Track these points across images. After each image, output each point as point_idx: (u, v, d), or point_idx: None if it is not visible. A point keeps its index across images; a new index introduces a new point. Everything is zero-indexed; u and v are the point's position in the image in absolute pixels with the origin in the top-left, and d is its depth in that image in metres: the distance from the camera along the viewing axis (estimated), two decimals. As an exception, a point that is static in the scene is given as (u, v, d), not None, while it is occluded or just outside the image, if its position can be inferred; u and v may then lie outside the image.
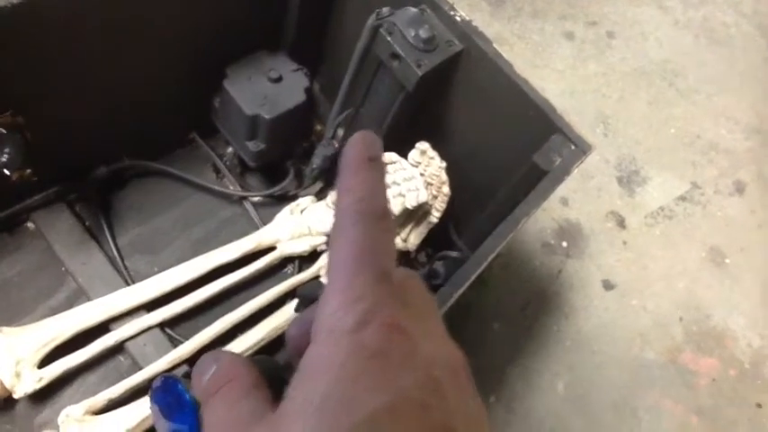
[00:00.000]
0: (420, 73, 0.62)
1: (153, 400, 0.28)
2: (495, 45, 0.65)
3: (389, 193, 0.72)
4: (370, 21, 0.65)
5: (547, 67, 1.32)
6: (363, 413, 0.20)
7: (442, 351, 0.24)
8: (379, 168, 0.27)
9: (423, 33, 0.62)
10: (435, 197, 0.74)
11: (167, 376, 0.28)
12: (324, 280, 0.76)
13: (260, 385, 0.24)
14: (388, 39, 0.63)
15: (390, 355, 0.22)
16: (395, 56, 0.64)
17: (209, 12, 0.71)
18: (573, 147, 0.61)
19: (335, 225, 0.25)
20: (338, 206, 0.25)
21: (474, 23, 0.65)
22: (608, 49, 1.39)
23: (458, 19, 0.65)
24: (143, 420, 0.64)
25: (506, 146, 0.68)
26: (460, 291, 0.51)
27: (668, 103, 1.35)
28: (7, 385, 0.63)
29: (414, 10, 0.65)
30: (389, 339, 0.22)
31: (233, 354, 0.27)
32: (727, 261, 1.17)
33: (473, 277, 0.52)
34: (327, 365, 0.21)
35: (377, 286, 0.23)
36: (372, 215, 0.25)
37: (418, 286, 0.27)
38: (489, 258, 0.54)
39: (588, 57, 1.36)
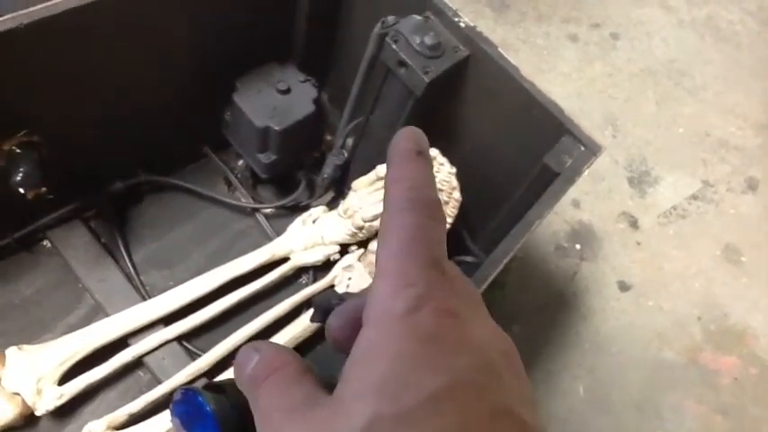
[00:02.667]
0: (427, 79, 0.62)
1: (174, 414, 0.28)
2: (500, 49, 0.65)
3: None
4: (376, 29, 0.66)
5: (553, 70, 1.32)
6: (424, 394, 0.20)
7: (493, 335, 0.24)
8: (428, 161, 0.27)
9: (428, 40, 0.63)
10: (447, 203, 0.74)
11: (187, 388, 0.28)
12: (339, 288, 0.77)
13: (309, 371, 0.24)
14: (394, 47, 0.64)
15: (444, 338, 0.22)
16: (402, 63, 0.64)
17: (217, 26, 0.72)
18: (583, 148, 0.61)
19: (385, 214, 0.25)
20: (387, 196, 0.25)
21: (478, 29, 0.66)
22: (613, 51, 1.39)
23: (462, 25, 0.65)
24: (164, 434, 0.65)
25: (516, 149, 0.68)
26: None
27: (676, 102, 1.35)
28: (29, 403, 0.63)
29: (418, 17, 0.66)
30: (442, 323, 0.22)
31: (274, 343, 0.26)
32: (743, 259, 1.16)
33: (489, 280, 0.52)
34: (382, 349, 0.21)
35: (428, 272, 0.23)
36: (422, 203, 0.25)
37: (464, 277, 0.27)
38: (504, 261, 0.54)
39: (593, 59, 1.36)
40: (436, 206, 0.25)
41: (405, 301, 0.22)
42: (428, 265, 0.23)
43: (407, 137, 0.27)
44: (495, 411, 0.21)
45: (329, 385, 0.24)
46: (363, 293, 0.26)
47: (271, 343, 0.26)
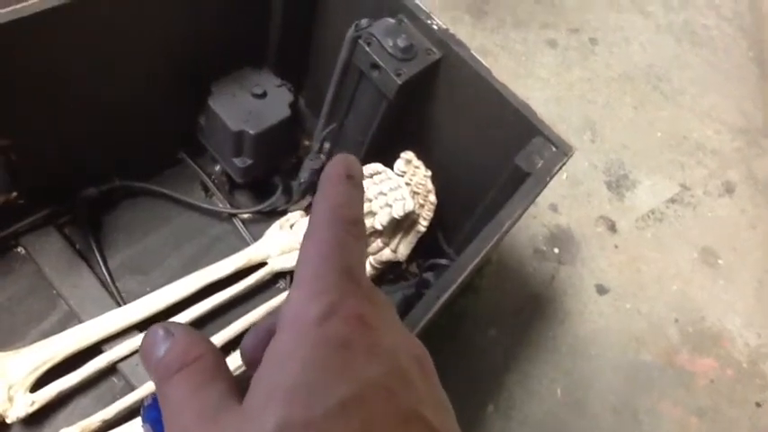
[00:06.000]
0: (399, 81, 0.63)
1: (144, 419, 0.28)
2: (473, 52, 0.65)
3: (376, 204, 0.72)
4: (350, 33, 0.66)
5: (531, 75, 1.33)
6: (333, 400, 0.20)
7: (405, 342, 0.25)
8: (358, 185, 0.28)
9: (401, 42, 0.63)
10: (422, 206, 0.75)
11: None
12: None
13: (224, 369, 0.24)
14: (367, 49, 0.64)
15: (355, 345, 0.22)
16: (375, 66, 0.64)
17: (192, 29, 0.72)
18: (554, 149, 0.62)
19: (308, 228, 0.26)
20: (313, 213, 0.26)
21: (452, 32, 0.66)
22: (591, 56, 1.41)
23: (435, 27, 0.66)
24: (137, 440, 0.64)
25: (489, 151, 0.68)
26: (446, 295, 0.51)
27: (654, 106, 1.36)
28: (0, 410, 0.63)
29: (391, 20, 0.66)
30: (354, 330, 0.22)
31: (188, 327, 0.26)
32: (720, 261, 1.17)
33: (459, 280, 0.52)
34: (294, 355, 0.22)
35: (342, 281, 0.24)
36: (345, 221, 0.25)
37: (377, 289, 0.27)
38: (475, 261, 0.54)
39: (572, 64, 1.38)
40: (356, 223, 0.26)
41: (318, 307, 0.22)
42: (343, 274, 0.24)
43: (338, 163, 0.28)
44: (404, 416, 0.21)
45: (242, 381, 0.24)
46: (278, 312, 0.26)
47: (184, 326, 0.26)
